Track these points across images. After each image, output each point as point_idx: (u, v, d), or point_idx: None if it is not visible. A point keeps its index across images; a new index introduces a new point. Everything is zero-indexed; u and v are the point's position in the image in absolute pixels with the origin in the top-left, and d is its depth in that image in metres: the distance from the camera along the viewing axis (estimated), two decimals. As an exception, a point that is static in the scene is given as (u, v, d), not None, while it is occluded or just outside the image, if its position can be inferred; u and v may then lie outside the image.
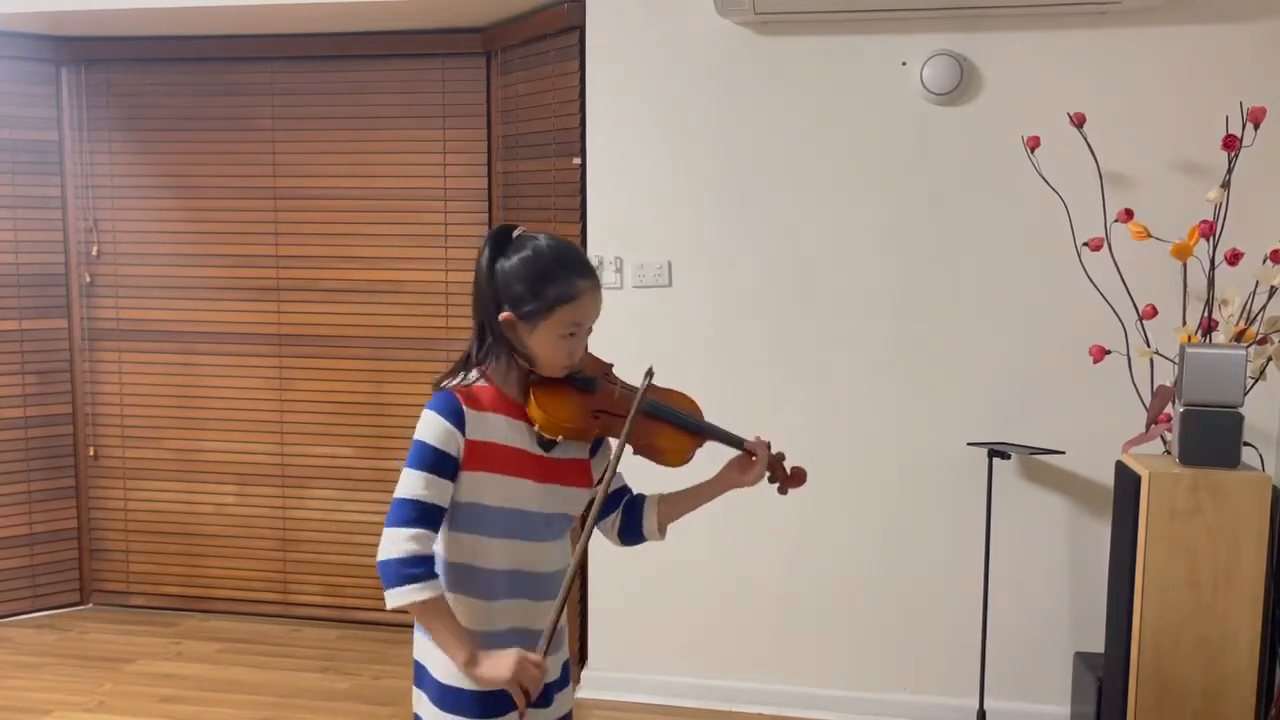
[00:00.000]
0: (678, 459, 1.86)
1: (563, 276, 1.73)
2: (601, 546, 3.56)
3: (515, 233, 1.78)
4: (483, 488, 1.74)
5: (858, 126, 3.35)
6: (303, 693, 3.68)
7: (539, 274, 1.72)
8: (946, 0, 3.13)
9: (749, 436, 1.94)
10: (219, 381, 4.34)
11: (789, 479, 1.94)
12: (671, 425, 1.87)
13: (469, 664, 1.68)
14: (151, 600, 4.46)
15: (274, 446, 4.33)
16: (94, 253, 4.37)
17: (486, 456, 1.74)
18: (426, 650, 1.82)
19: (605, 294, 3.54)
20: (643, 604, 3.60)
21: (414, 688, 1.86)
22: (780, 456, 1.93)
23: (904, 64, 3.30)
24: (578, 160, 3.56)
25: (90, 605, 4.50)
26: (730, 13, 3.25)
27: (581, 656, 3.70)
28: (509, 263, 1.74)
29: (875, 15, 3.25)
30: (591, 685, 3.65)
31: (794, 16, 3.27)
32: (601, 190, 3.52)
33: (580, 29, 3.50)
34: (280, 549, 4.36)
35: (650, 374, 1.80)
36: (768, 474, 1.91)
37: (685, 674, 3.59)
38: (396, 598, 1.67)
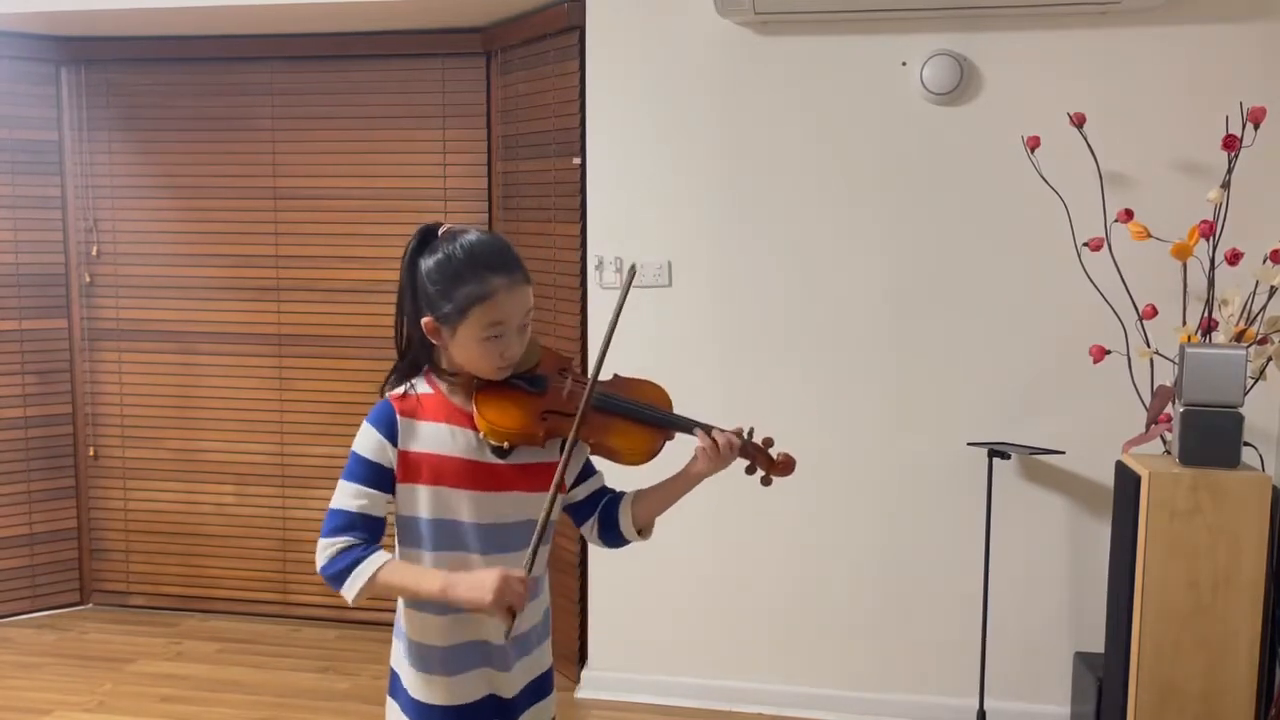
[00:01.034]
0: (637, 457, 1.72)
1: (473, 276, 1.63)
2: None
3: (440, 230, 1.71)
4: (415, 500, 1.70)
5: (858, 126, 3.35)
6: (302, 693, 3.68)
7: (451, 275, 1.64)
8: (946, 0, 3.13)
9: (731, 426, 1.79)
10: (219, 381, 4.34)
11: (773, 465, 1.76)
12: (628, 420, 1.73)
13: (446, 591, 1.60)
14: (151, 600, 4.46)
15: (274, 446, 4.33)
16: (94, 253, 4.37)
17: (418, 467, 1.69)
18: (400, 659, 1.79)
19: (606, 294, 3.58)
20: (643, 604, 3.60)
21: (388, 697, 1.82)
22: (762, 444, 1.78)
23: (904, 64, 3.30)
24: (578, 160, 3.56)
25: (90, 605, 4.50)
26: (730, 13, 3.25)
27: (581, 656, 3.70)
28: (427, 263, 1.67)
29: (875, 15, 3.24)
30: (591, 685, 3.65)
31: (794, 16, 3.27)
32: (601, 190, 3.52)
33: (580, 29, 3.50)
34: (280, 549, 4.36)
35: (631, 275, 1.72)
36: (746, 463, 1.77)
37: (685, 674, 3.59)
38: (348, 592, 1.64)
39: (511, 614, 1.58)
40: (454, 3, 3.66)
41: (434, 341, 1.71)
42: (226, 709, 3.54)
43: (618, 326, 1.69)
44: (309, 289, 4.25)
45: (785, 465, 1.78)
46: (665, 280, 3.48)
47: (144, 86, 4.30)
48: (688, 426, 1.75)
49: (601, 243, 3.52)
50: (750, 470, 1.79)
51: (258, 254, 4.28)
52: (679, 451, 1.80)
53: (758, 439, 1.80)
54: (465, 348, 1.68)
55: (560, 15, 3.56)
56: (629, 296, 1.71)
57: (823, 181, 3.38)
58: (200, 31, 4.14)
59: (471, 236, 1.69)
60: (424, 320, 1.68)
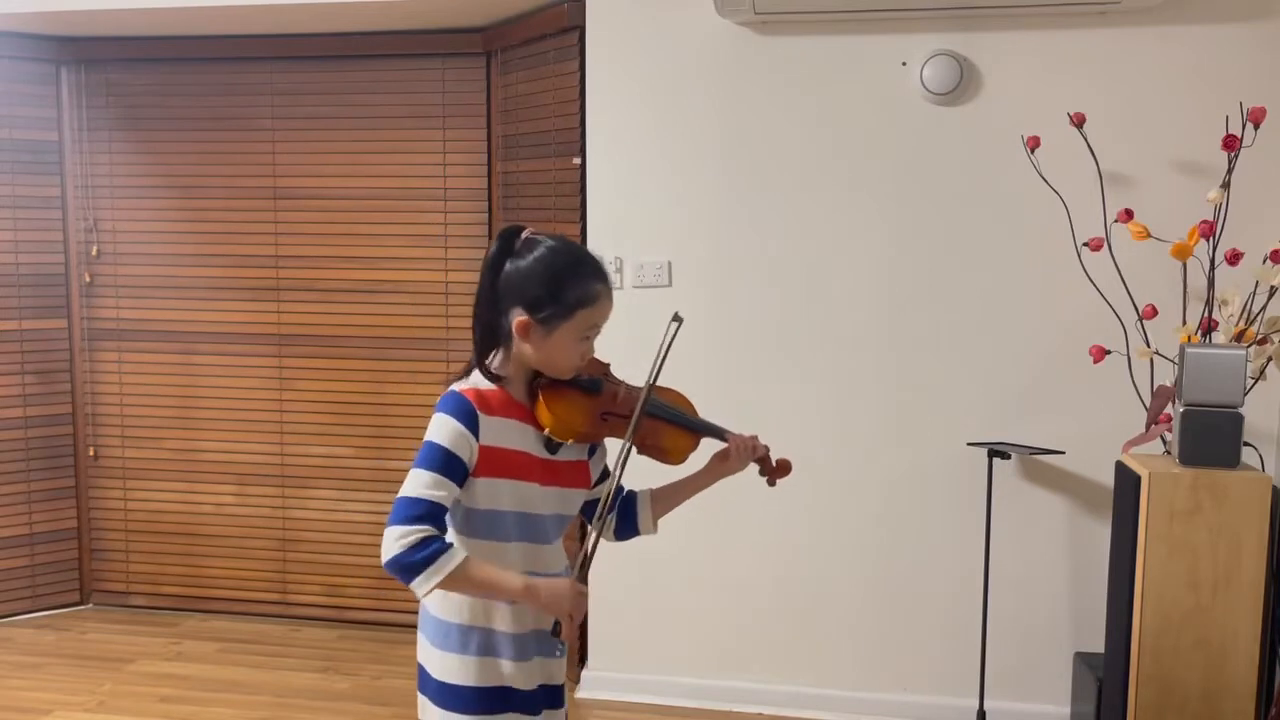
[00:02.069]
0: (679, 458, 1.91)
1: (581, 281, 1.73)
2: (601, 546, 3.57)
3: (525, 234, 1.76)
4: (498, 493, 1.73)
5: (858, 126, 3.35)
6: (303, 693, 3.68)
7: (557, 277, 1.72)
8: (946, 0, 3.13)
9: (746, 433, 1.98)
10: (219, 381, 4.34)
11: (774, 470, 1.99)
12: (673, 425, 1.91)
13: (529, 593, 1.69)
14: (151, 600, 4.46)
15: (274, 446, 4.33)
16: (94, 253, 4.37)
17: (501, 462, 1.72)
18: (427, 652, 1.81)
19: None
20: (643, 604, 3.60)
21: (418, 693, 1.84)
22: (766, 450, 1.97)
23: (904, 64, 3.30)
24: (578, 160, 3.56)
25: (90, 605, 4.50)
26: (730, 13, 3.25)
27: (581, 656, 3.70)
28: (522, 263, 1.73)
29: (875, 15, 3.25)
30: (591, 685, 3.65)
31: (794, 16, 3.27)
32: (601, 190, 3.52)
33: (580, 29, 3.50)
34: (280, 549, 4.36)
35: (678, 322, 1.83)
36: (757, 466, 1.96)
37: (685, 674, 3.59)
38: (424, 584, 1.62)
39: (576, 628, 1.71)
40: (454, 3, 3.66)
41: (519, 338, 1.74)
42: (226, 709, 3.54)
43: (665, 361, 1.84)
44: (309, 289, 4.25)
45: (784, 467, 2.00)
46: (665, 280, 3.48)
47: (144, 86, 4.30)
48: (716, 432, 1.96)
49: (601, 243, 3.51)
50: (760, 472, 1.99)
51: (258, 254, 4.28)
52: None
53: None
54: (559, 347, 1.75)
55: (560, 15, 3.57)
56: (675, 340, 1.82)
57: (823, 181, 3.38)
58: (200, 31, 4.14)
59: (563, 240, 1.78)
60: (518, 320, 1.73)
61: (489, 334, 1.77)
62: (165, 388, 4.38)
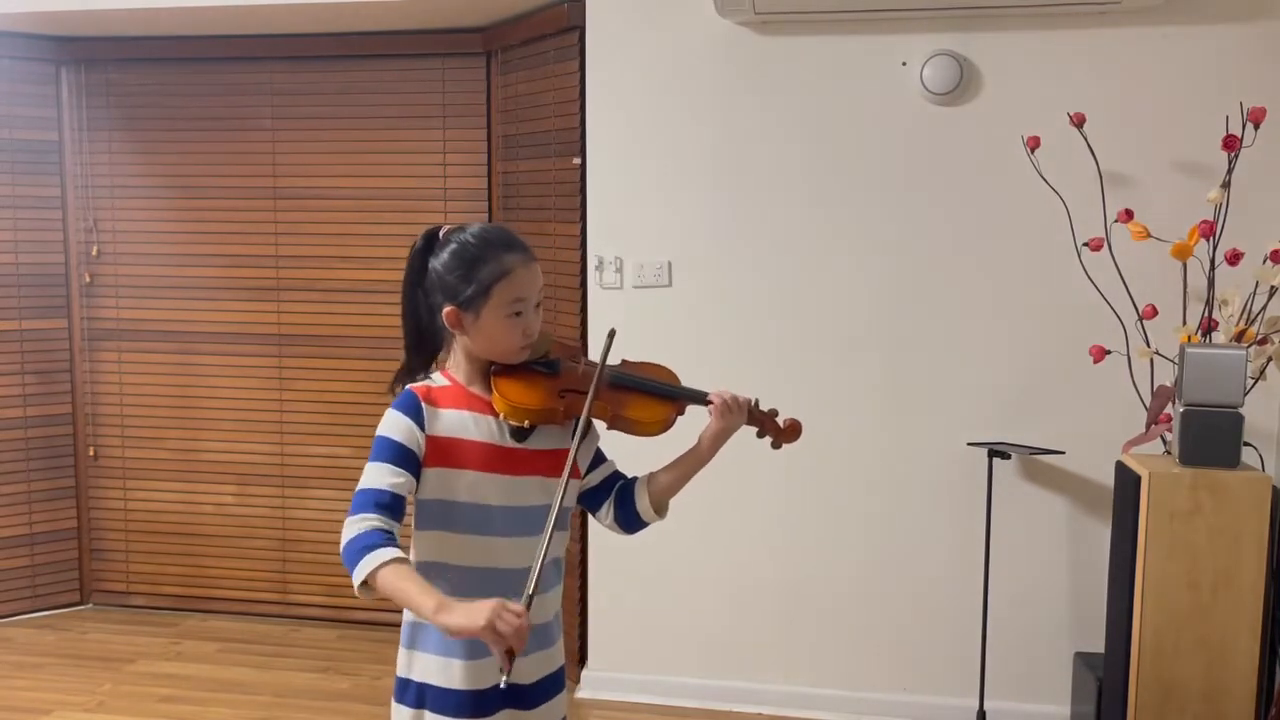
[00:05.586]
0: (653, 428, 1.81)
1: (491, 256, 1.73)
2: (601, 546, 3.58)
3: (443, 231, 1.79)
4: (447, 483, 1.72)
5: (858, 126, 3.35)
6: (302, 693, 3.68)
7: (470, 260, 1.73)
8: (946, 0, 3.13)
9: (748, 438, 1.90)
10: (219, 381, 4.34)
11: (781, 433, 1.88)
12: (641, 393, 1.83)
13: (439, 611, 1.52)
14: (151, 600, 4.46)
15: (274, 446, 4.33)
16: (94, 253, 4.37)
17: (449, 452, 1.71)
18: (403, 661, 1.80)
19: (606, 294, 3.58)
20: (643, 604, 3.60)
21: (394, 703, 1.81)
22: (773, 413, 1.88)
23: (904, 64, 3.30)
24: (578, 160, 3.56)
25: (90, 605, 4.50)
26: (730, 13, 3.25)
27: (581, 656, 3.70)
28: (439, 260, 1.75)
29: (875, 15, 3.25)
30: (591, 685, 3.65)
31: (794, 16, 3.27)
32: (601, 190, 3.52)
33: (580, 29, 3.50)
34: (280, 549, 4.36)
35: (611, 338, 1.78)
36: (756, 429, 1.87)
37: (685, 674, 3.59)
38: (359, 574, 1.57)
39: (509, 653, 1.50)
40: (454, 3, 3.66)
41: (455, 331, 1.76)
42: (226, 709, 3.54)
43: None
44: (309, 289, 4.25)
45: (792, 429, 1.88)
46: (665, 280, 3.48)
47: (144, 86, 4.30)
48: (698, 397, 1.85)
49: (601, 243, 3.52)
50: (760, 434, 1.88)
51: (258, 254, 4.28)
52: (689, 435, 1.86)
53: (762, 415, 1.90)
54: (489, 328, 1.73)
55: (560, 15, 3.57)
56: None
57: (822, 181, 3.38)
58: (200, 31, 4.14)
59: (477, 226, 1.79)
60: (446, 311, 1.74)
61: (428, 337, 1.79)
62: (165, 388, 4.38)
